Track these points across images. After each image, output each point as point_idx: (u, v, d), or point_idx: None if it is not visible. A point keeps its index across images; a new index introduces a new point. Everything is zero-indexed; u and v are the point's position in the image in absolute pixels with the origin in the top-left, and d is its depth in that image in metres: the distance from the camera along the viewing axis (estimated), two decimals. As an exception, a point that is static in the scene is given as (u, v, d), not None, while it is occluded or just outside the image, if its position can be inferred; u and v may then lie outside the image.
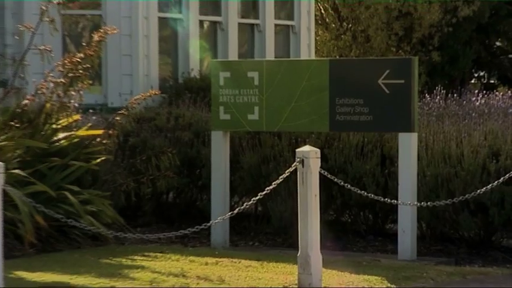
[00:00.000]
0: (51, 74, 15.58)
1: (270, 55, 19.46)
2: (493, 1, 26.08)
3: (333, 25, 24.65)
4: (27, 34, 15.86)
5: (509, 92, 17.74)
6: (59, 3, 16.02)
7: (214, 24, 19.12)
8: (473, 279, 12.73)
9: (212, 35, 19.21)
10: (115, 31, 16.73)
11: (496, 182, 13.52)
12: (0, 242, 9.74)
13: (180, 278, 12.15)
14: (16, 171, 13.01)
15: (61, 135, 14.96)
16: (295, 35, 20.21)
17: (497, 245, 14.37)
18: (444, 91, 16.74)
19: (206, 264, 13.00)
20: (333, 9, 24.62)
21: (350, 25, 24.72)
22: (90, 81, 16.42)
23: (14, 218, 12.47)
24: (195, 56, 18.73)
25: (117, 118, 15.99)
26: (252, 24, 19.59)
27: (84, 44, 16.17)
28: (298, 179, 11.71)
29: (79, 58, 15.65)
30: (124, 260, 13.18)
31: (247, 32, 19.65)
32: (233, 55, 18.93)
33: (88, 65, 15.87)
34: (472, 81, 25.93)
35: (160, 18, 18.28)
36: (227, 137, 14.96)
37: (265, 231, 14.95)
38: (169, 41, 18.68)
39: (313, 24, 20.87)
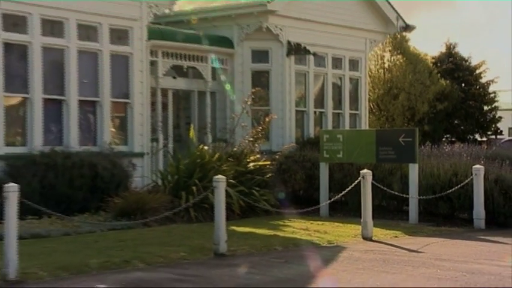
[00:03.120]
0: (246, 136, 15.70)
1: (347, 127, 19.21)
2: (454, 101, 25.70)
3: (377, 113, 24.32)
4: (235, 118, 16.02)
5: (461, 145, 17.32)
6: (250, 104, 16.19)
7: (321, 113, 18.97)
8: (446, 232, 12.55)
9: (320, 117, 19.07)
10: (275, 116, 16.86)
11: (456, 187, 13.34)
12: (223, 214, 9.80)
13: (305, 231, 12.14)
14: (230, 180, 13.01)
15: (251, 164, 14.92)
16: (359, 117, 19.94)
17: (457, 217, 13.96)
18: (430, 144, 16.47)
19: (318, 224, 12.93)
20: (376, 104, 24.31)
21: (385, 112, 24.38)
22: (264, 139, 16.49)
23: (229, 202, 12.38)
24: (312, 128, 18.62)
25: (276, 156, 16.08)
26: (338, 113, 19.41)
27: (261, 122, 16.26)
28: (361, 185, 11.62)
29: (259, 129, 15.79)
30: (279, 222, 13.13)
31: (336, 116, 19.42)
32: (330, 127, 18.74)
33: (263, 132, 16.01)
34: (443, 139, 25.30)
35: (296, 110, 18.21)
36: (327, 165, 14.85)
37: (345, 209, 14.75)
38: (300, 121, 18.53)
39: (367, 112, 20.61)
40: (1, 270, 7.84)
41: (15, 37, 12.82)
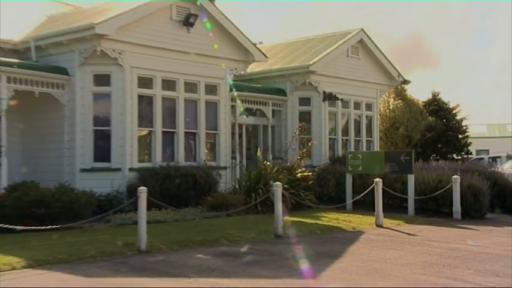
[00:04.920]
0: (295, 155, 15.60)
1: (364, 149, 18.89)
2: (438, 132, 25.07)
3: (384, 139, 23.81)
4: (288, 143, 15.94)
5: (444, 162, 16.79)
6: (298, 133, 16.06)
7: (346, 139, 18.74)
8: (434, 222, 12.10)
9: (345, 142, 18.80)
10: (315, 142, 16.70)
11: (440, 190, 12.98)
12: (280, 208, 9.75)
13: (336, 220, 11.91)
14: (285, 186, 12.57)
15: (298, 174, 14.57)
16: (372, 143, 19.63)
17: (441, 212, 13.50)
18: (422, 161, 16.05)
19: (344, 216, 12.64)
20: (384, 134, 23.82)
21: (390, 139, 23.84)
22: (307, 158, 16.36)
23: (284, 200, 11.64)
24: (340, 150, 18.39)
25: (316, 169, 15.86)
26: (358, 140, 19.14)
27: (305, 146, 16.11)
28: (375, 189, 11.42)
29: (304, 151, 15.64)
30: (318, 214, 12.93)
31: (356, 142, 19.12)
32: (352, 149, 18.44)
33: (307, 153, 15.85)
34: (431, 158, 24.63)
35: (329, 138, 17.99)
36: (351, 175, 14.48)
37: (364, 206, 14.30)
38: (332, 145, 18.27)
39: (378, 139, 20.24)
40: (136, 244, 8.04)
41: (145, 91, 13.22)
